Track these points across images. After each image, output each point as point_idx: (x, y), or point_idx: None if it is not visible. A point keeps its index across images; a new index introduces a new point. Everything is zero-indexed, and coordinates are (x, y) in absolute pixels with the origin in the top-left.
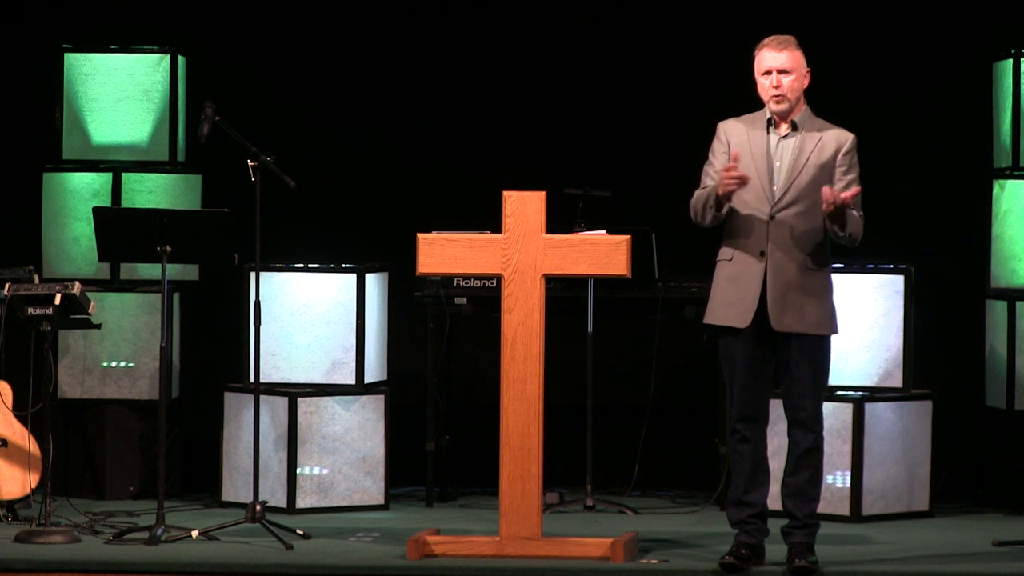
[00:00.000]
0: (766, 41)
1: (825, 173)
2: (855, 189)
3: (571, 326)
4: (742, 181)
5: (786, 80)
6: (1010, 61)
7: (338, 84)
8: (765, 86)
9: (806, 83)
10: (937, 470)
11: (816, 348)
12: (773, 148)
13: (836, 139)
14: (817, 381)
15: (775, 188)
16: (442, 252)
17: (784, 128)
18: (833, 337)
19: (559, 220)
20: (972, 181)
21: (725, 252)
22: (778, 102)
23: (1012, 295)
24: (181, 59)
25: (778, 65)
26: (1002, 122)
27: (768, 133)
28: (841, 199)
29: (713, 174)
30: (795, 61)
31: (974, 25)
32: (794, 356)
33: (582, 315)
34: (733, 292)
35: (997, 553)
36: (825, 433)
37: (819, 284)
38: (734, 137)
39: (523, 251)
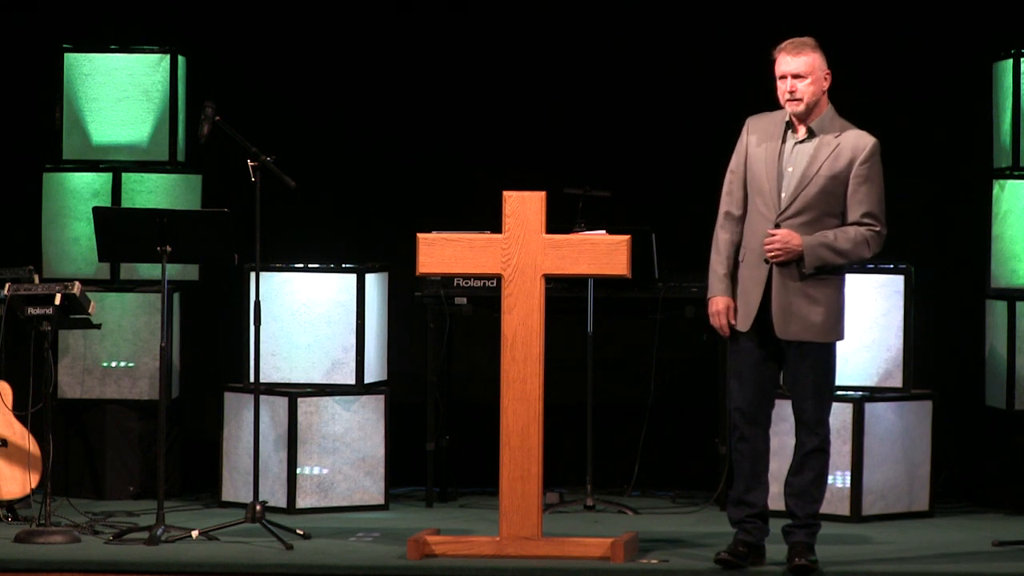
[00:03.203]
0: (783, 44)
1: (837, 183)
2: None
3: (571, 326)
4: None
5: (800, 84)
6: (1010, 61)
7: (338, 84)
8: (781, 90)
9: (826, 85)
10: (937, 470)
11: (818, 352)
12: (787, 153)
13: (853, 147)
14: (818, 384)
15: (783, 196)
16: (442, 252)
17: (802, 132)
18: None
19: (559, 220)
20: (972, 181)
21: (740, 252)
22: (794, 106)
23: (1012, 295)
24: (181, 59)
25: (792, 70)
26: (1002, 122)
27: (785, 138)
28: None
29: (732, 180)
30: (811, 65)
31: (974, 25)
32: (797, 359)
33: (582, 315)
34: (741, 295)
35: (997, 553)
36: None
37: (827, 291)
38: (753, 138)
39: (523, 251)
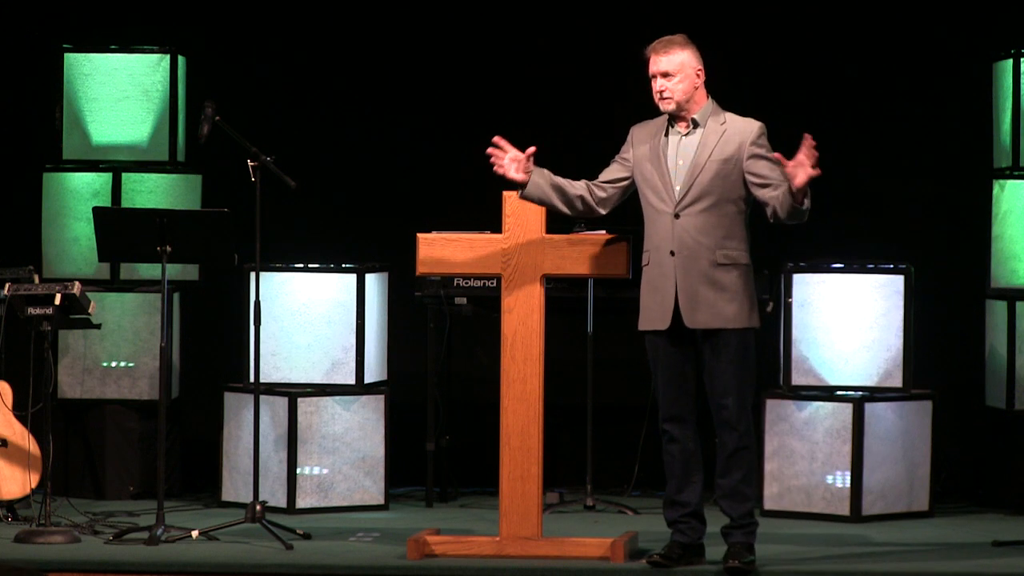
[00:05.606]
0: (653, 44)
1: (729, 166)
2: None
3: (571, 326)
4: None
5: (670, 83)
6: (1010, 61)
7: (338, 84)
8: (654, 89)
9: (699, 80)
10: (937, 470)
11: (735, 344)
12: (674, 147)
13: (740, 131)
14: (739, 378)
15: (677, 187)
16: (442, 252)
17: (684, 126)
18: (833, 336)
19: (559, 220)
20: (972, 181)
21: (644, 256)
22: (665, 104)
23: (1012, 295)
24: (181, 59)
25: (660, 69)
26: (1002, 122)
27: (668, 134)
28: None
29: (604, 172)
30: (679, 62)
31: (974, 25)
32: (713, 353)
33: (582, 315)
34: (652, 295)
35: (997, 553)
36: (825, 433)
37: (733, 278)
38: (637, 140)
39: (523, 251)
